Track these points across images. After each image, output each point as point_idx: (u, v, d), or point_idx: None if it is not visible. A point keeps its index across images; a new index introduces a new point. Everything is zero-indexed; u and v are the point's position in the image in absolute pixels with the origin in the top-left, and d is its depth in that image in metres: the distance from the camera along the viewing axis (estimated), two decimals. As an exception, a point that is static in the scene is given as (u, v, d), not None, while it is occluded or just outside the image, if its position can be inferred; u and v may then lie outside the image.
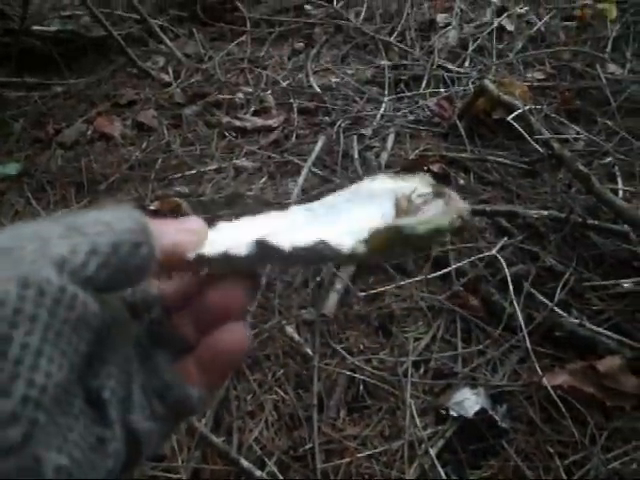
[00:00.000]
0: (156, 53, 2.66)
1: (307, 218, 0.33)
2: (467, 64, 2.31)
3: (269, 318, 1.28)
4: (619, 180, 1.58)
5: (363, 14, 2.79)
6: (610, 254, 1.38)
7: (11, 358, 0.22)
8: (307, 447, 1.07)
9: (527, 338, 1.17)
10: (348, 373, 1.17)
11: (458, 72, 2.23)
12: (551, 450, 1.04)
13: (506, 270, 1.30)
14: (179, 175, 1.83)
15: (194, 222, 0.32)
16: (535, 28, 2.46)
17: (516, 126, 1.65)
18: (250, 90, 2.26)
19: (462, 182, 1.67)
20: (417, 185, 0.32)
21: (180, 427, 1.08)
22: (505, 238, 1.44)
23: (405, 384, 1.14)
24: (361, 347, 1.24)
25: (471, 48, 2.38)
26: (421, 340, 1.25)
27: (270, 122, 2.06)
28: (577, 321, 1.21)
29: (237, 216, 0.34)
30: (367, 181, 0.34)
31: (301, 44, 2.64)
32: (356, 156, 1.80)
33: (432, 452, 1.04)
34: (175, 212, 1.59)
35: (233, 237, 0.31)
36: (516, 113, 1.67)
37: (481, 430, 1.08)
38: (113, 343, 0.29)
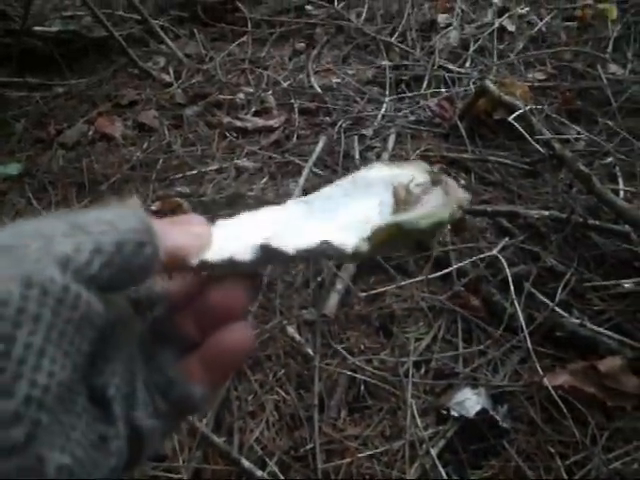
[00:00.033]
0: (157, 53, 2.66)
1: (304, 212, 0.33)
2: (468, 64, 2.31)
3: (270, 318, 1.28)
4: (620, 180, 1.58)
5: (364, 15, 2.79)
6: (611, 254, 1.38)
7: (14, 358, 0.22)
8: (308, 447, 1.07)
9: (528, 338, 1.17)
10: (349, 373, 1.18)
11: (459, 72, 2.23)
12: (552, 450, 1.04)
13: (507, 270, 1.30)
14: (180, 175, 1.84)
15: (198, 225, 0.32)
16: (536, 28, 2.46)
17: (517, 126, 1.65)
18: (251, 90, 2.26)
19: (463, 182, 1.67)
20: (414, 173, 0.32)
21: (181, 427, 1.08)
22: (506, 238, 1.44)
23: (406, 384, 1.14)
24: (362, 347, 1.24)
25: (472, 48, 2.38)
26: (422, 340, 1.25)
27: (271, 122, 2.06)
28: (578, 321, 1.21)
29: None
30: (363, 170, 0.34)
31: (302, 44, 2.64)
32: (357, 156, 1.80)
33: (433, 452, 1.04)
34: (176, 212, 1.59)
35: (235, 237, 0.31)
36: (517, 113, 1.67)
37: (482, 430, 1.08)
38: (117, 341, 0.29)
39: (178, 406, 0.30)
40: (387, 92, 2.16)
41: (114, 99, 2.34)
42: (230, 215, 0.33)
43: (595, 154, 1.69)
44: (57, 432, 0.24)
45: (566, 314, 1.23)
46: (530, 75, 2.16)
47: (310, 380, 1.17)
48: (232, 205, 1.64)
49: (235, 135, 2.03)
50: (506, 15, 2.58)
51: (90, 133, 2.14)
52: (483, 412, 1.09)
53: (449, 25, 2.59)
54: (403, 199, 0.31)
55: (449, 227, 1.48)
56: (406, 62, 2.38)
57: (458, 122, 1.86)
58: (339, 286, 1.33)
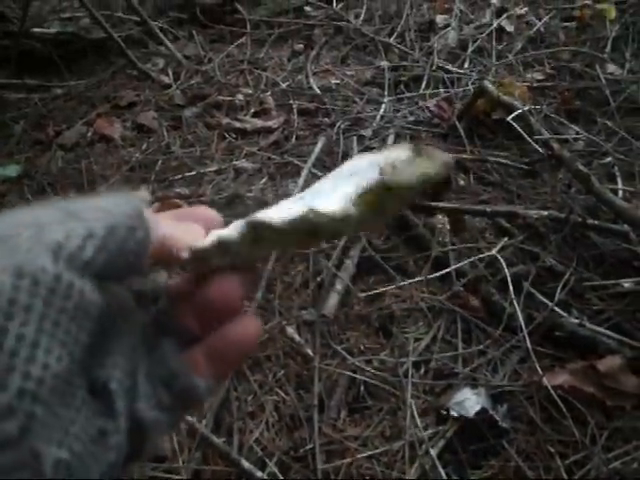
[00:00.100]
0: (156, 55, 2.66)
1: (294, 200, 0.33)
2: (467, 65, 2.31)
3: (270, 319, 1.28)
4: (619, 180, 1.58)
5: (362, 15, 2.79)
6: (610, 254, 1.38)
7: (6, 350, 0.22)
8: (308, 448, 1.07)
9: (527, 338, 1.17)
10: (349, 374, 1.18)
11: (458, 73, 2.23)
12: (552, 450, 1.04)
13: (506, 270, 1.30)
14: (179, 176, 1.84)
15: (201, 216, 0.32)
16: (534, 29, 2.47)
17: (516, 126, 1.65)
18: (250, 91, 2.27)
19: (462, 183, 1.67)
20: (399, 152, 0.32)
21: (181, 428, 1.08)
22: (505, 238, 1.44)
23: (406, 384, 1.14)
24: (362, 348, 1.24)
25: (470, 49, 2.38)
26: (421, 340, 1.25)
27: (270, 123, 2.06)
28: (577, 321, 1.21)
29: (237, 217, 0.34)
30: (350, 160, 0.34)
31: (301, 45, 2.64)
32: (356, 157, 1.79)
33: (433, 452, 1.04)
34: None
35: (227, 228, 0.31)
36: (516, 113, 1.67)
37: (482, 430, 1.08)
38: (119, 333, 0.29)
39: (181, 398, 0.30)
40: (386, 93, 2.16)
41: (113, 100, 2.34)
42: (230, 216, 0.33)
43: (594, 154, 1.69)
44: (54, 426, 0.24)
45: (565, 314, 1.23)
46: (529, 75, 2.16)
47: (310, 380, 1.17)
48: (231, 206, 1.64)
49: (234, 136, 2.04)
50: (504, 15, 2.58)
51: (89, 134, 2.14)
52: (483, 412, 1.09)
53: (448, 26, 2.59)
54: (390, 174, 0.31)
55: (448, 228, 1.48)
56: (405, 63, 2.38)
57: (457, 122, 1.86)
58: (338, 286, 1.33)
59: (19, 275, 0.23)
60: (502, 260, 1.32)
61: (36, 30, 2.63)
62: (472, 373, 1.18)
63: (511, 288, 1.26)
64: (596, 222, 1.42)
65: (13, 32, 2.52)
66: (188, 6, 2.95)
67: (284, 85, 2.30)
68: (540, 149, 1.60)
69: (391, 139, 1.87)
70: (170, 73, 2.48)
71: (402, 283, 1.34)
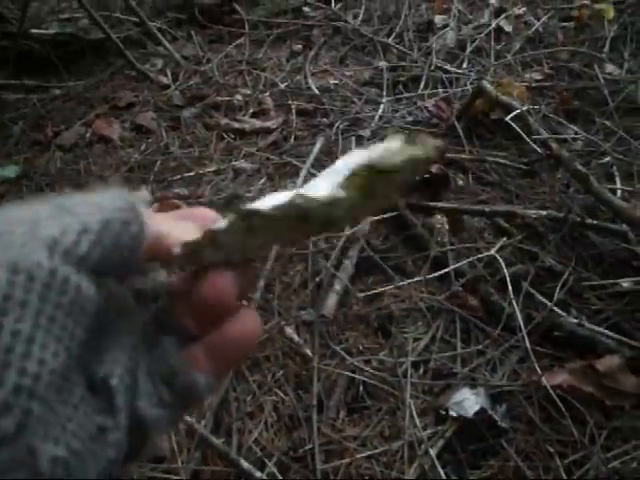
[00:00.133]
0: (154, 55, 2.66)
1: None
2: (465, 65, 2.31)
3: (268, 319, 1.28)
4: (617, 180, 1.59)
5: (361, 16, 2.79)
6: (609, 253, 1.38)
7: (2, 346, 0.22)
8: (307, 448, 1.07)
9: (526, 338, 1.17)
10: (348, 374, 1.17)
11: (456, 73, 2.23)
12: (551, 450, 1.04)
13: (505, 270, 1.30)
14: (178, 177, 1.84)
15: (199, 216, 0.32)
16: (533, 29, 2.47)
17: (514, 126, 1.65)
18: (248, 92, 2.27)
19: (461, 183, 1.67)
20: (391, 141, 0.32)
21: (180, 428, 1.08)
22: (504, 238, 1.44)
23: (405, 384, 1.14)
24: (360, 348, 1.24)
25: (469, 49, 2.39)
26: (420, 340, 1.25)
27: (269, 124, 2.06)
28: (576, 321, 1.21)
29: None
30: (342, 157, 0.34)
31: (299, 46, 2.65)
32: (355, 157, 1.79)
33: (432, 452, 1.04)
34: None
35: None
36: (514, 113, 1.67)
37: (481, 430, 1.08)
38: (119, 331, 0.28)
39: (182, 395, 0.30)
40: (384, 93, 2.16)
41: (111, 101, 2.34)
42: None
43: (592, 154, 1.70)
44: (51, 423, 0.23)
45: (564, 314, 1.23)
46: (527, 75, 2.16)
47: (309, 381, 1.17)
48: (230, 206, 1.64)
49: (233, 136, 2.04)
50: (503, 16, 2.58)
51: (88, 135, 2.14)
52: (482, 412, 1.09)
53: (446, 26, 2.59)
54: (377, 157, 0.31)
55: (447, 228, 1.48)
56: (403, 63, 2.38)
57: (455, 122, 1.86)
58: (337, 286, 1.33)
59: (14, 271, 0.23)
60: (501, 260, 1.32)
61: (34, 31, 2.63)
62: (471, 373, 1.18)
63: (510, 288, 1.26)
64: (595, 222, 1.43)
65: (12, 33, 2.52)
66: (186, 7, 2.95)
67: (283, 85, 2.30)
68: (539, 149, 1.61)
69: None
70: (169, 74, 2.48)
71: (401, 283, 1.34)
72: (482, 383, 1.15)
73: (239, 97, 2.23)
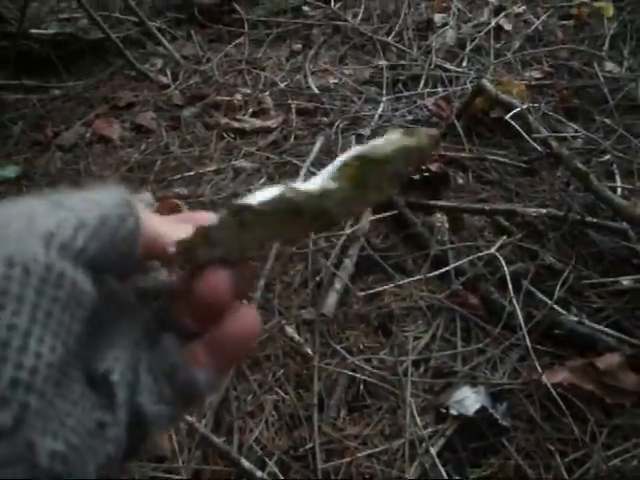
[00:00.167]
0: (154, 55, 2.66)
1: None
2: (465, 64, 2.31)
3: (269, 318, 1.28)
4: (617, 178, 1.58)
5: (361, 15, 2.79)
6: (609, 252, 1.38)
7: None
8: (308, 447, 1.07)
9: (527, 336, 1.17)
10: (348, 373, 1.18)
11: (456, 72, 2.23)
12: (551, 448, 1.04)
13: (505, 268, 1.30)
14: (178, 177, 1.83)
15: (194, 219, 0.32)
16: (533, 27, 2.47)
17: (514, 125, 1.65)
18: (248, 91, 2.27)
19: (461, 181, 1.68)
20: (389, 135, 0.32)
21: (180, 428, 1.08)
22: (504, 237, 1.44)
23: (405, 383, 1.14)
24: (361, 346, 1.24)
25: (469, 48, 2.39)
26: (421, 339, 1.25)
27: (268, 123, 2.06)
28: (576, 319, 1.21)
29: None
30: (341, 155, 0.34)
31: (299, 45, 2.65)
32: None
33: (432, 451, 1.04)
34: (174, 214, 1.59)
35: None
36: (514, 112, 1.67)
37: (481, 428, 1.08)
38: (120, 327, 0.29)
39: (183, 392, 0.30)
40: (384, 92, 2.16)
41: (111, 101, 2.34)
42: None
43: (592, 152, 1.70)
44: (50, 418, 0.23)
45: (564, 312, 1.23)
46: (527, 74, 2.16)
47: (309, 380, 1.17)
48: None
49: (233, 136, 2.04)
50: (502, 14, 2.58)
51: (87, 135, 2.13)
52: (482, 410, 1.09)
53: (446, 24, 2.59)
54: (368, 147, 0.31)
55: (447, 226, 1.48)
56: (403, 62, 2.38)
57: (455, 121, 1.86)
58: (338, 285, 1.33)
59: (10, 265, 0.23)
60: (501, 258, 1.32)
61: (34, 31, 2.63)
62: (471, 371, 1.18)
63: (510, 286, 1.26)
64: (595, 220, 1.43)
65: (11, 33, 2.52)
66: (186, 6, 2.95)
67: (282, 85, 2.30)
68: (539, 147, 1.61)
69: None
70: (168, 73, 2.48)
71: (401, 282, 1.35)
72: (483, 381, 1.15)
73: (239, 96, 2.23)
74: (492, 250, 1.37)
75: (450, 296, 1.31)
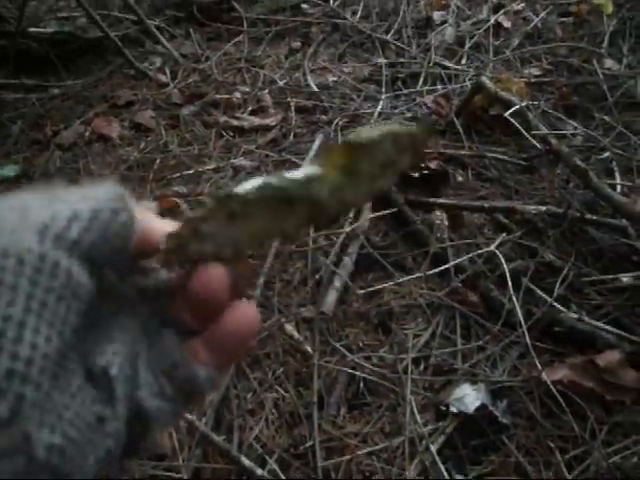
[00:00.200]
0: (153, 54, 2.66)
1: None
2: (464, 61, 2.31)
3: (269, 316, 1.28)
4: (617, 175, 1.58)
5: (360, 12, 2.78)
6: (609, 249, 1.38)
7: None
8: (308, 445, 1.07)
9: (526, 333, 1.17)
10: (348, 370, 1.17)
11: (455, 69, 2.23)
12: (552, 445, 1.04)
13: (505, 266, 1.30)
14: (177, 175, 1.83)
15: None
16: (532, 24, 2.47)
17: (513, 122, 1.65)
18: (247, 89, 2.26)
19: (460, 179, 1.67)
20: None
21: (180, 426, 1.08)
22: (504, 234, 1.44)
23: (405, 381, 1.14)
24: (361, 344, 1.24)
25: (468, 45, 2.38)
26: (421, 337, 1.25)
27: (268, 121, 2.06)
28: (576, 316, 1.21)
29: None
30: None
31: (298, 43, 2.64)
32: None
33: (433, 448, 1.04)
34: (174, 212, 1.59)
35: None
36: (513, 109, 1.67)
37: (481, 426, 1.08)
38: (120, 323, 0.29)
39: (184, 388, 0.30)
40: (383, 90, 2.16)
41: (110, 100, 2.34)
42: None
43: (592, 149, 1.70)
44: (47, 410, 0.23)
45: (564, 309, 1.23)
46: (526, 71, 2.16)
47: (309, 378, 1.17)
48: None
49: (232, 134, 2.03)
50: (501, 11, 2.58)
51: (87, 134, 2.13)
52: (482, 408, 1.09)
53: (444, 22, 2.59)
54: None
55: (446, 224, 1.48)
56: (402, 59, 2.38)
57: (454, 119, 1.86)
58: (337, 283, 1.33)
59: (4, 255, 0.23)
60: (501, 256, 1.32)
61: (33, 30, 2.62)
62: (471, 369, 1.18)
63: (510, 284, 1.26)
64: (594, 217, 1.43)
65: (10, 32, 2.52)
66: (185, 4, 2.94)
67: (281, 83, 2.29)
68: (538, 144, 1.60)
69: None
70: (167, 72, 2.47)
71: (401, 279, 1.34)
72: (482, 379, 1.15)
73: (238, 95, 2.22)
74: (492, 247, 1.37)
75: (450, 294, 1.31)
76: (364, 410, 1.13)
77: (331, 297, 1.30)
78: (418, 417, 1.09)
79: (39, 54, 2.57)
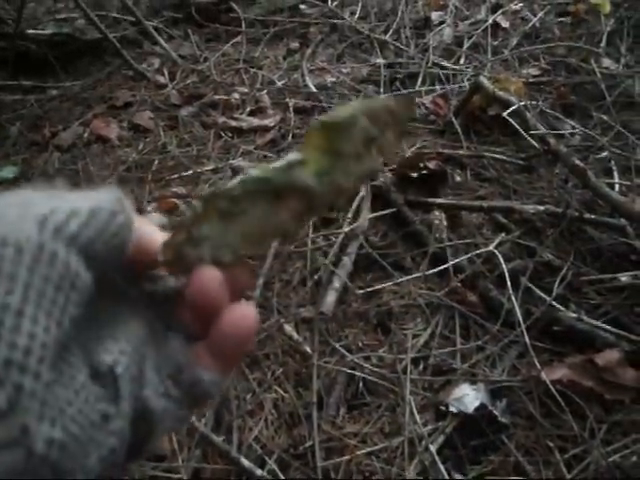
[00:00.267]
0: (151, 55, 2.66)
1: None
2: (462, 61, 2.31)
3: (268, 317, 1.28)
4: (615, 174, 1.58)
5: (358, 13, 2.79)
6: (607, 248, 1.38)
7: None
8: (307, 445, 1.07)
9: (525, 333, 1.17)
10: (347, 371, 1.18)
11: (453, 69, 2.23)
12: (551, 444, 1.04)
13: (504, 266, 1.30)
14: (176, 176, 1.83)
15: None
16: (530, 24, 2.47)
17: (512, 122, 1.65)
18: (246, 90, 2.26)
19: (459, 179, 1.67)
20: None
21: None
22: (502, 234, 1.44)
23: (404, 381, 1.14)
24: (360, 344, 1.24)
25: (466, 45, 2.38)
26: (420, 337, 1.25)
27: (266, 122, 2.06)
28: (575, 315, 1.21)
29: None
30: None
31: (296, 44, 2.64)
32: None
33: (432, 448, 1.04)
34: (173, 213, 1.60)
35: None
36: (512, 109, 1.67)
37: (481, 426, 1.08)
38: (127, 324, 0.29)
39: (189, 392, 0.30)
40: (382, 90, 2.16)
41: (109, 101, 2.34)
42: None
43: (590, 148, 1.70)
44: (48, 404, 0.23)
45: (563, 308, 1.23)
46: (524, 71, 2.16)
47: (308, 378, 1.17)
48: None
49: (230, 135, 2.03)
50: (500, 11, 2.58)
51: (85, 135, 2.13)
52: (482, 407, 1.09)
53: (443, 22, 2.59)
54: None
55: (445, 224, 1.48)
56: (400, 60, 2.38)
57: (453, 119, 1.86)
58: (336, 284, 1.33)
59: (3, 244, 0.23)
60: (499, 255, 1.33)
61: (31, 31, 2.62)
62: (471, 369, 1.18)
63: (509, 283, 1.26)
64: (593, 216, 1.43)
65: (8, 34, 2.52)
66: (183, 6, 2.94)
67: (280, 83, 2.30)
68: (536, 144, 1.60)
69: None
70: (166, 73, 2.47)
71: (400, 280, 1.35)
72: (482, 379, 1.15)
73: (236, 95, 2.22)
74: (490, 247, 1.37)
75: (449, 293, 1.31)
76: (363, 410, 1.13)
77: (330, 297, 1.30)
78: (417, 417, 1.09)
79: (37, 55, 2.57)
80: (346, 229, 1.46)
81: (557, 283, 1.27)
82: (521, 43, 2.37)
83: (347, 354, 1.20)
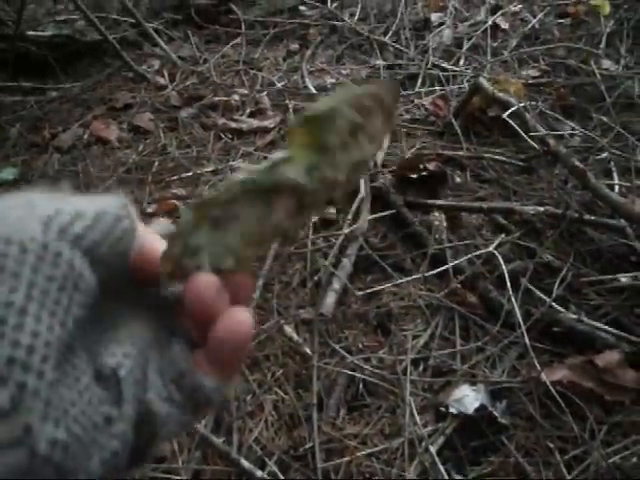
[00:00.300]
0: (151, 56, 2.66)
1: None
2: (462, 62, 2.31)
3: (268, 318, 1.28)
4: (615, 175, 1.58)
5: (357, 14, 2.79)
6: (607, 249, 1.38)
7: None
8: (307, 446, 1.07)
9: (525, 334, 1.17)
10: (347, 372, 1.17)
11: (453, 71, 2.23)
12: (551, 445, 1.04)
13: (503, 267, 1.30)
14: (176, 177, 1.83)
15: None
16: (529, 25, 2.47)
17: (511, 123, 1.65)
18: (246, 92, 2.26)
19: (459, 180, 1.68)
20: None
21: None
22: (502, 235, 1.44)
23: (404, 382, 1.14)
24: (360, 346, 1.24)
25: (466, 46, 2.39)
26: (420, 338, 1.25)
27: (266, 123, 2.06)
28: (575, 316, 1.21)
29: None
30: None
31: (296, 45, 2.64)
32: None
33: (432, 449, 1.04)
34: (172, 214, 1.60)
35: None
36: (511, 110, 1.67)
37: (481, 427, 1.08)
38: (131, 328, 0.29)
39: (192, 398, 0.30)
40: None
41: (109, 102, 2.34)
42: None
43: (590, 150, 1.70)
44: (52, 404, 0.23)
45: (563, 309, 1.23)
46: (524, 72, 2.16)
47: (308, 379, 1.17)
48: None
49: (230, 136, 2.03)
50: (499, 13, 2.58)
51: (85, 137, 2.13)
52: (482, 408, 1.09)
53: (442, 24, 2.59)
54: None
55: (445, 225, 1.48)
56: (400, 61, 2.38)
57: (453, 120, 1.87)
58: (336, 285, 1.33)
59: (7, 242, 0.23)
60: (499, 256, 1.33)
61: (31, 33, 2.62)
62: (471, 370, 1.18)
63: (509, 284, 1.26)
64: (593, 217, 1.43)
65: (8, 35, 2.52)
66: (183, 7, 2.95)
67: (280, 85, 2.30)
68: (536, 145, 1.60)
69: (387, 137, 1.87)
70: (165, 74, 2.48)
71: (400, 281, 1.35)
72: (482, 380, 1.15)
73: (236, 97, 2.23)
74: (490, 248, 1.37)
75: (449, 295, 1.31)
76: (364, 411, 1.13)
77: (330, 299, 1.30)
78: (418, 418, 1.09)
79: (37, 57, 2.57)
80: (346, 230, 1.47)
81: (557, 284, 1.27)
82: (521, 44, 2.37)
83: (347, 355, 1.20)
